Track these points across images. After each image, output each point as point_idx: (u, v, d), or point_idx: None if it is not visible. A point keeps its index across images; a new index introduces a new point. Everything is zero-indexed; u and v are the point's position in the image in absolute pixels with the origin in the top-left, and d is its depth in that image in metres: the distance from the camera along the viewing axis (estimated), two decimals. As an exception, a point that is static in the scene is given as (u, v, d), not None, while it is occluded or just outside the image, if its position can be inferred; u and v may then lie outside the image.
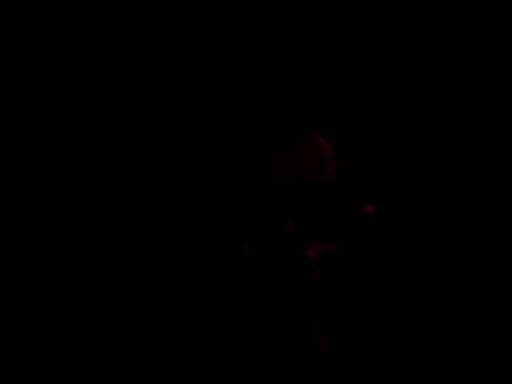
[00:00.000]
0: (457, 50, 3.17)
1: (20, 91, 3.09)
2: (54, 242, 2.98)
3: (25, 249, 2.98)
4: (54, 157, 3.02)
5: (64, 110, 3.05)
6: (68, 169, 3.02)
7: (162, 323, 2.92)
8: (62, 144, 3.02)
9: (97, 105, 3.06)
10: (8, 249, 2.98)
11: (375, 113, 3.17)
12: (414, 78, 3.18)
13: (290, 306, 2.92)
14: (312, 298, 2.92)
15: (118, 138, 3.04)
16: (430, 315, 2.98)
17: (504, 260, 3.01)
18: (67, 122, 3.04)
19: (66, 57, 3.09)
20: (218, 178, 3.05)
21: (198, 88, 3.11)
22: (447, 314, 2.98)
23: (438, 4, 3.15)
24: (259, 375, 2.86)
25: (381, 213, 3.01)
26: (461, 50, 3.17)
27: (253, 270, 2.94)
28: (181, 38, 3.10)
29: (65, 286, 2.95)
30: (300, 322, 2.90)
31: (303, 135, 3.05)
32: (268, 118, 3.12)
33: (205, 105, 3.11)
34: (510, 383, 2.85)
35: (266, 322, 2.90)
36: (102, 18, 3.11)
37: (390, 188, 3.12)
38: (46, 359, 2.88)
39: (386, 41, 3.16)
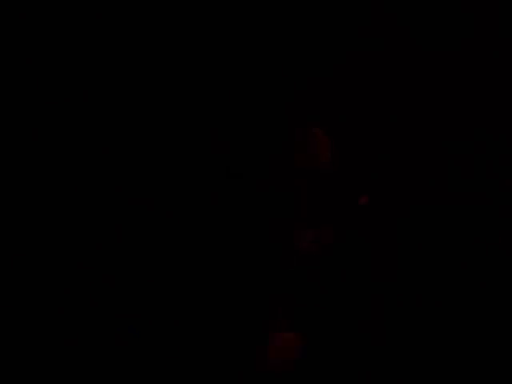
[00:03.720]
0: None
1: (20, 91, 3.10)
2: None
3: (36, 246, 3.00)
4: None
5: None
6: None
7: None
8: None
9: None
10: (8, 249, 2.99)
11: (376, 104, 3.19)
12: (417, 75, 3.20)
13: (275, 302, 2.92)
14: (297, 292, 2.91)
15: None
16: (430, 312, 2.99)
17: (504, 258, 3.02)
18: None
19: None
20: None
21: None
22: (448, 310, 2.99)
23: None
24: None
25: (377, 203, 3.01)
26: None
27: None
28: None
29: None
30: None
31: (302, 126, 3.08)
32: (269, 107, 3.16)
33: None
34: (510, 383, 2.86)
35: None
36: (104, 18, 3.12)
37: (387, 179, 3.13)
38: (46, 359, 2.89)
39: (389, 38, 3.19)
